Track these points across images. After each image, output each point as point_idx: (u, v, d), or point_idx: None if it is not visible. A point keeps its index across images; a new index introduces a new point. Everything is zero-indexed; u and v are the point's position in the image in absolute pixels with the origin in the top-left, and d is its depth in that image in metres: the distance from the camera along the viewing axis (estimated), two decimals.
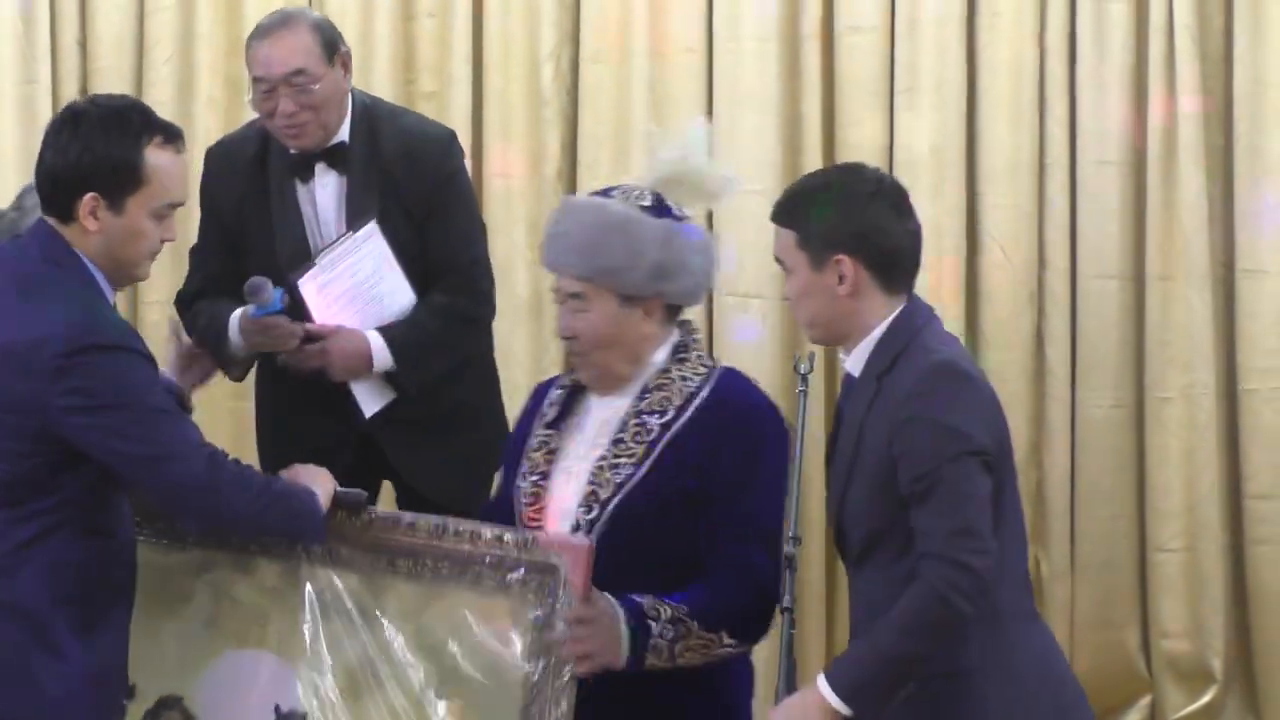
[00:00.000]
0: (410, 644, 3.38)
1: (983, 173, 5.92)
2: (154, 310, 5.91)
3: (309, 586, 3.43)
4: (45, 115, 6.05)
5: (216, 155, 4.76)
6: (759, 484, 3.55)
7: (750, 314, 5.90)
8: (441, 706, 3.35)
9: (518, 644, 3.34)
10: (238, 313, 4.45)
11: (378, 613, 3.40)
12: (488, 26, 6.12)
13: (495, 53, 6.12)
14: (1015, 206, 5.90)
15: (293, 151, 4.54)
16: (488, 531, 3.38)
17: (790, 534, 3.85)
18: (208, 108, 6.00)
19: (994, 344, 5.91)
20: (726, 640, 3.43)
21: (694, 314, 5.85)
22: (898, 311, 3.41)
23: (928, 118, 5.90)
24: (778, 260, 3.47)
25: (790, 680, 3.64)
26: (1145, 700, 5.90)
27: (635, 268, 3.52)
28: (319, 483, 3.47)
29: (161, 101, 6.04)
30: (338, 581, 3.42)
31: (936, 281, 5.85)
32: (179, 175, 3.42)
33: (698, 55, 6.04)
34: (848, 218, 3.38)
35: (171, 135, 3.41)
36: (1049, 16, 5.88)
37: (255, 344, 4.43)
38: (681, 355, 3.64)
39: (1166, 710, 5.85)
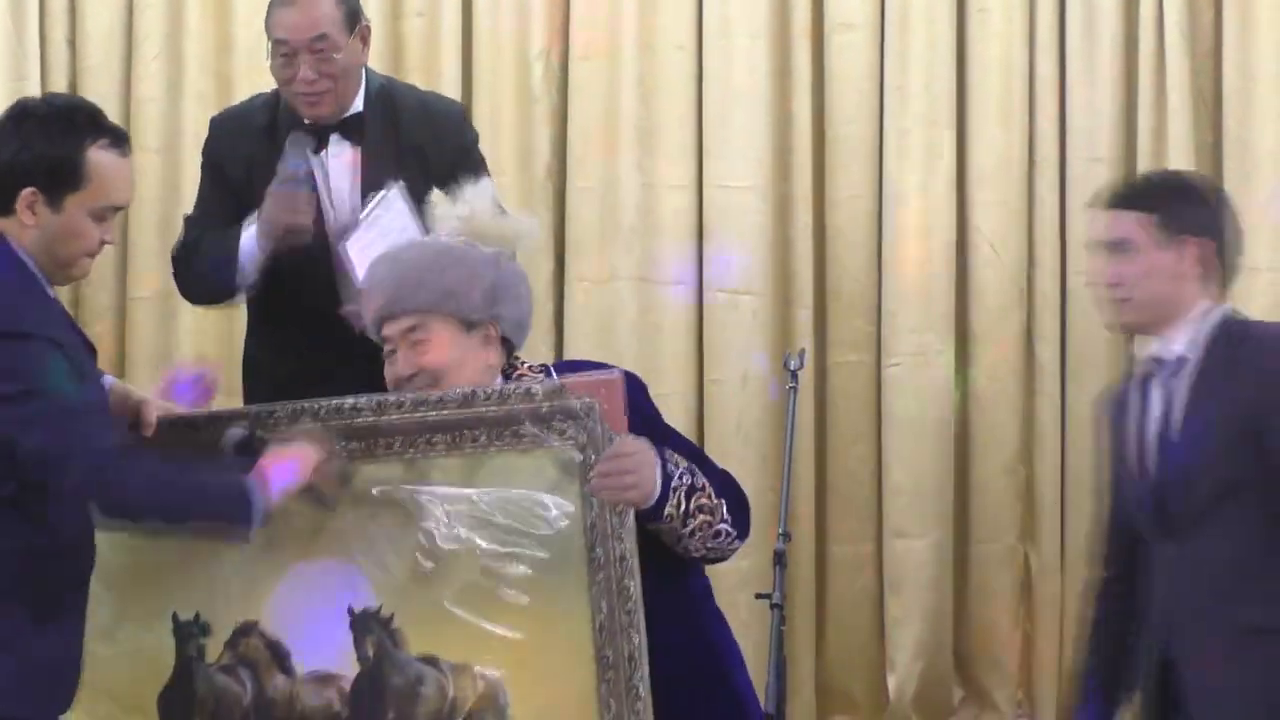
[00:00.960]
0: (465, 517, 3.40)
1: (972, 170, 5.92)
2: (141, 307, 5.93)
3: (356, 484, 3.45)
4: None
5: (223, 121, 4.76)
6: (673, 436, 3.67)
7: (740, 310, 5.89)
8: (508, 569, 3.38)
9: (569, 492, 3.35)
10: (251, 229, 4.44)
11: (428, 494, 3.42)
12: (477, 25, 6.11)
13: (485, 51, 6.11)
14: (1005, 204, 5.90)
15: (306, 121, 4.52)
16: (516, 389, 3.41)
17: (780, 530, 3.86)
18: (196, 104, 5.97)
19: (983, 341, 5.91)
20: (725, 515, 3.48)
21: (684, 308, 5.97)
22: (1221, 301, 3.67)
23: (917, 115, 5.91)
24: (1110, 244, 3.63)
25: (780, 674, 3.65)
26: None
27: (473, 290, 3.56)
28: (299, 457, 3.43)
29: (150, 98, 6.05)
30: (383, 472, 3.44)
31: (926, 279, 5.86)
32: (123, 178, 3.40)
33: (688, 53, 6.04)
34: (1211, 206, 3.70)
35: (118, 138, 3.40)
36: (1038, 13, 5.88)
37: (276, 211, 4.39)
38: (514, 374, 3.66)
39: None
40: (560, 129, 6.07)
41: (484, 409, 3.38)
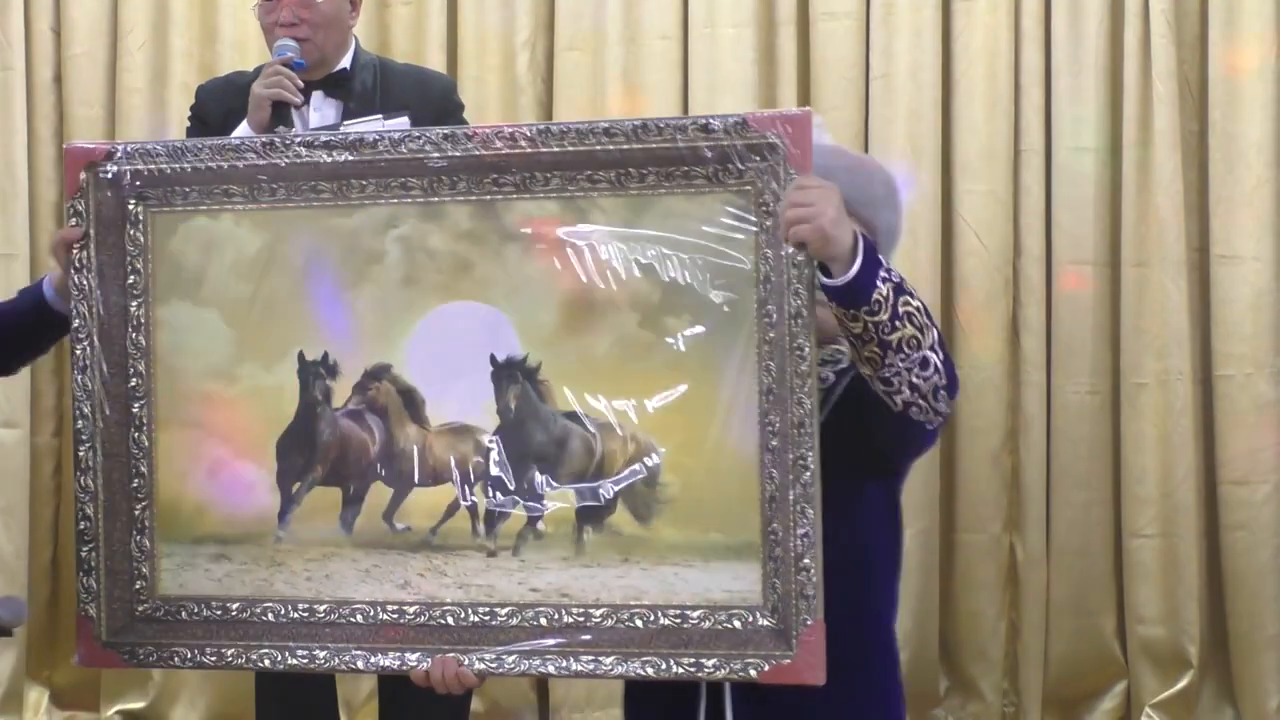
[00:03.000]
0: (625, 263, 3.09)
1: (958, 159, 5.92)
2: None
3: (508, 221, 3.14)
4: (20, 101, 6.05)
5: (208, 85, 4.87)
6: None
7: None
8: (669, 322, 3.06)
9: (743, 241, 3.01)
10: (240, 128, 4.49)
11: (585, 236, 3.12)
12: (463, 14, 6.12)
13: (470, 41, 6.11)
14: (991, 193, 5.90)
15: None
16: (692, 122, 3.04)
17: None
18: (181, 94, 5.97)
19: (970, 331, 5.91)
20: (935, 345, 2.95)
21: None
22: None
23: (903, 104, 5.91)
24: None
25: None
26: (1120, 686, 5.91)
27: (894, 246, 3.25)
28: None
29: (135, 88, 6.06)
30: (538, 210, 3.13)
31: (911, 268, 5.85)
32: None
33: (673, 42, 6.04)
34: None
35: None
36: (1024, 1, 5.88)
37: (263, 87, 4.43)
38: None
39: (1142, 696, 5.85)
40: (545, 119, 6.06)
41: (655, 143, 3.04)
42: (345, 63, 4.63)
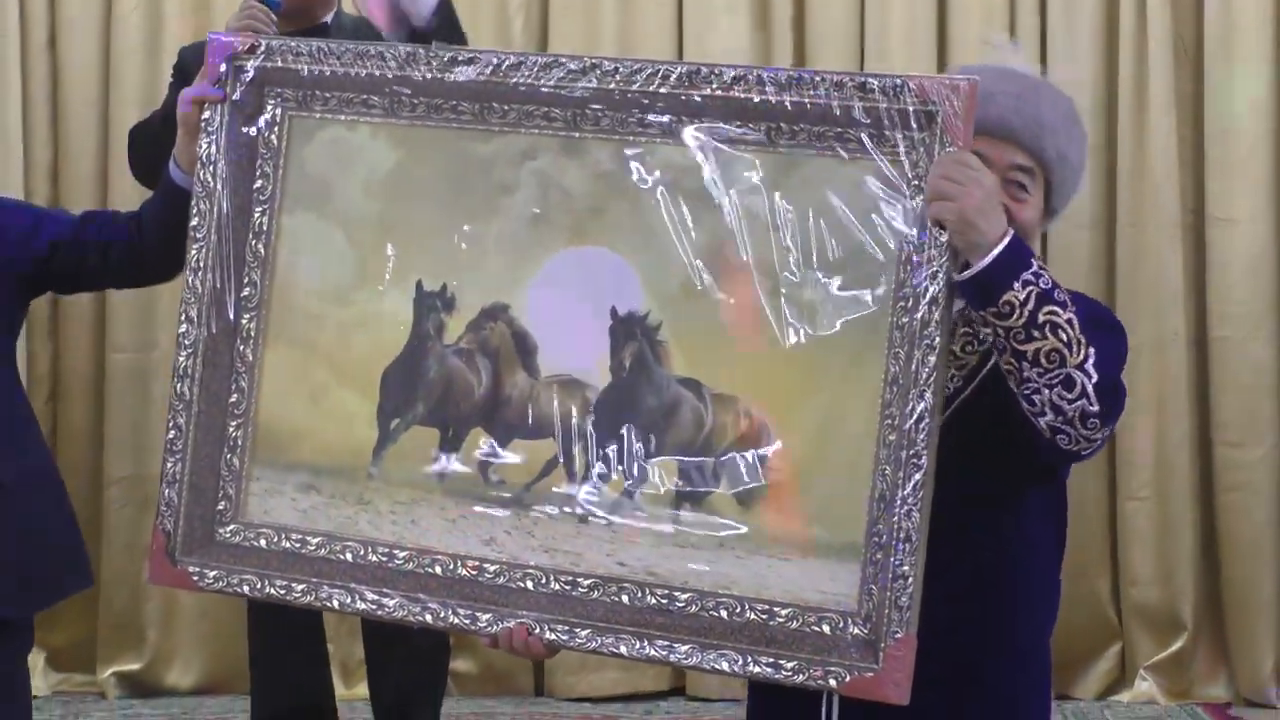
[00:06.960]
0: (761, 227, 2.87)
1: None
2: None
3: (649, 166, 2.95)
4: (14, 64, 6.04)
5: (192, 46, 4.87)
6: None
7: None
8: (800, 294, 2.85)
9: (889, 215, 2.80)
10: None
11: (728, 192, 2.90)
12: None
13: (464, 4, 6.09)
14: None
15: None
16: (850, 79, 2.81)
17: None
18: (175, 57, 5.96)
19: None
20: (1086, 366, 2.66)
21: None
22: None
23: (899, 69, 5.89)
24: None
25: None
26: (1115, 648, 5.93)
27: (1077, 180, 2.96)
28: None
29: (129, 51, 6.05)
30: (681, 159, 2.92)
31: None
32: None
33: (668, 7, 6.05)
34: None
35: None
36: None
37: (239, 20, 4.44)
38: None
39: (1137, 658, 5.87)
40: None
41: (809, 96, 2.81)
42: (327, 18, 4.67)
